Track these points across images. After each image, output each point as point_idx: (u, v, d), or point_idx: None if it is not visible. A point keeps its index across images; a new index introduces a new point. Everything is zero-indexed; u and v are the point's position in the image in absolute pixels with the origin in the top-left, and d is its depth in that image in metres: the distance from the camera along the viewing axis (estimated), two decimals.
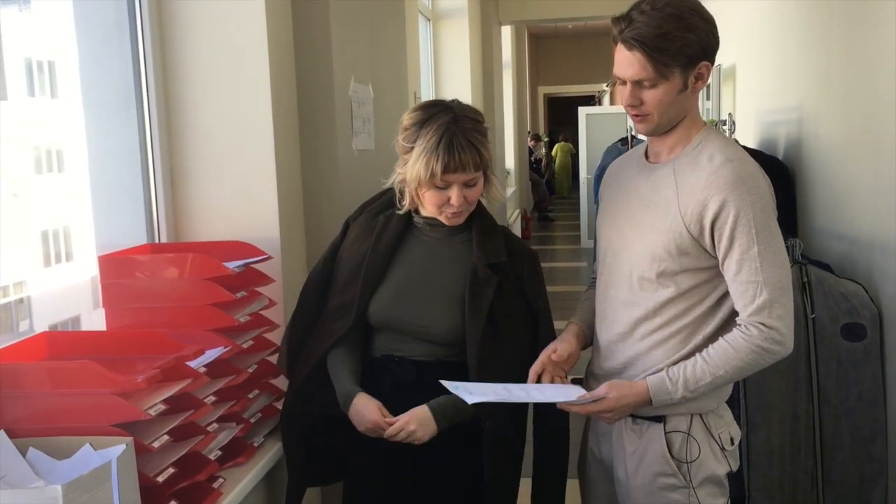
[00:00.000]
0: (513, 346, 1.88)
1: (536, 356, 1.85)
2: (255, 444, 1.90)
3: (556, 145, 18.30)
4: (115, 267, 1.83)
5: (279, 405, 2.08)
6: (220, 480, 1.71)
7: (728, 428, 1.84)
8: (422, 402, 1.83)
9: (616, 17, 1.73)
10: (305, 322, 2.00)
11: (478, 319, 1.84)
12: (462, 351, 1.86)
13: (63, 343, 1.58)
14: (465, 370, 1.84)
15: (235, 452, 1.82)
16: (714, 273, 1.73)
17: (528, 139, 15.79)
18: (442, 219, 1.88)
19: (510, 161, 11.61)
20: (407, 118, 1.88)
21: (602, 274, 1.90)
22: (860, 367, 2.73)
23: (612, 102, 16.08)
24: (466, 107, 1.87)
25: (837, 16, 3.22)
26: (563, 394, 1.77)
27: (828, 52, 3.35)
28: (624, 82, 1.72)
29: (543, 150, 17.82)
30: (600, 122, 11.34)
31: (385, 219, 1.97)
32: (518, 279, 1.92)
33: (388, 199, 2.01)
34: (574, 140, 14.61)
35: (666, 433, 1.78)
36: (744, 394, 2.78)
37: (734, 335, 1.69)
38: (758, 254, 1.65)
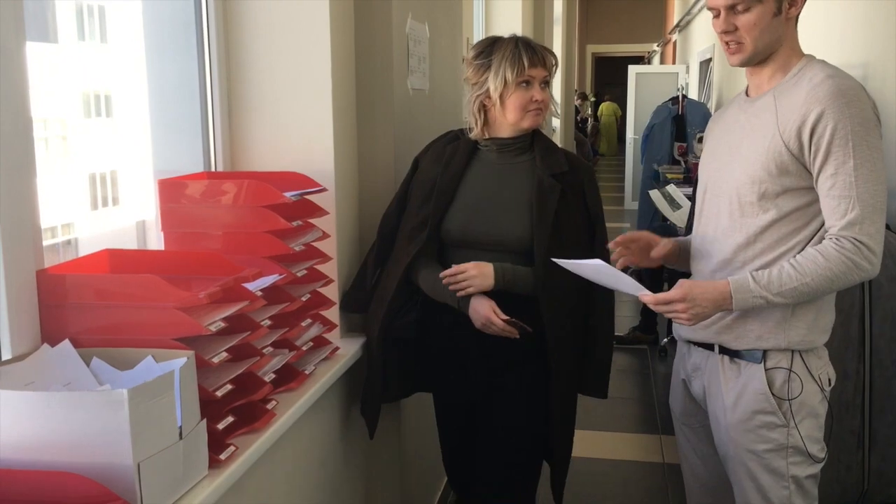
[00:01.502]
0: (574, 249, 2.03)
1: (593, 256, 1.92)
2: (307, 372, 1.93)
3: (602, 105, 18.03)
4: (173, 191, 1.85)
5: (329, 337, 2.11)
6: (274, 403, 1.74)
7: (826, 368, 1.83)
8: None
9: None
10: (386, 254, 2.23)
11: (545, 223, 2.05)
12: (532, 261, 2.06)
13: (124, 260, 1.61)
14: (529, 298, 2.05)
15: (288, 378, 1.85)
16: (816, 196, 1.70)
17: (575, 98, 15.58)
18: (525, 121, 2.10)
19: (556, 119, 11.47)
20: (473, 49, 2.15)
21: (700, 214, 1.90)
22: None
23: (662, 62, 15.76)
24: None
25: None
26: (635, 288, 1.78)
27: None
28: (718, 14, 1.73)
29: (589, 111, 17.58)
30: (650, 81, 11.15)
31: (453, 148, 2.19)
32: (579, 188, 2.14)
33: (453, 134, 2.25)
34: (621, 101, 14.40)
35: (766, 370, 1.77)
36: None
37: (825, 244, 1.66)
38: (853, 168, 1.61)
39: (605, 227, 2.19)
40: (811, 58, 1.77)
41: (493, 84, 2.06)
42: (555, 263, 1.90)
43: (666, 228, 5.32)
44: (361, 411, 2.27)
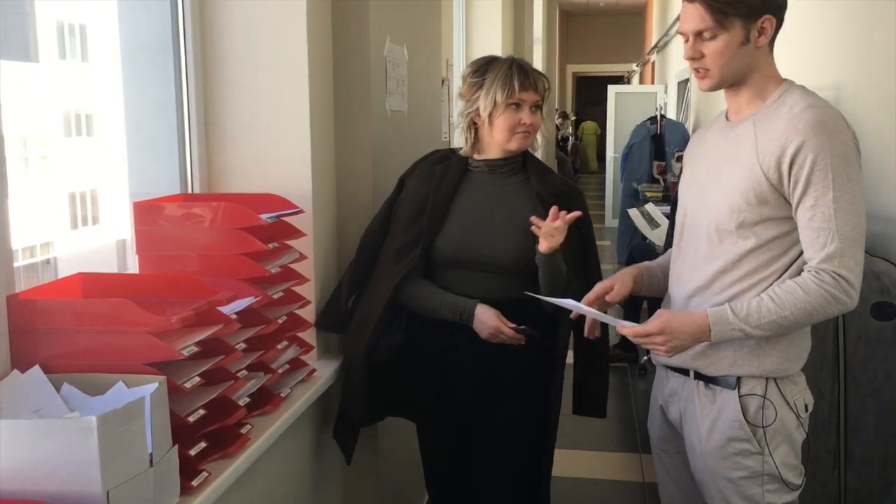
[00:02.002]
0: (573, 265, 2.10)
1: (587, 274, 2.09)
2: (283, 395, 1.92)
3: (582, 124, 18.18)
4: (148, 213, 1.84)
5: (306, 359, 2.10)
6: (248, 427, 1.73)
7: (803, 394, 1.82)
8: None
9: None
10: (365, 275, 2.20)
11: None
12: (529, 282, 2.07)
13: (97, 284, 1.59)
14: (530, 306, 2.03)
15: (264, 401, 1.84)
16: (794, 225, 1.70)
17: (556, 116, 15.69)
18: (512, 143, 2.10)
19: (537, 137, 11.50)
20: (469, 66, 2.17)
21: (679, 235, 1.89)
22: (889, 346, 2.70)
23: (641, 82, 15.91)
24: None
25: None
26: (613, 321, 1.85)
27: (869, 32, 3.29)
28: (687, 39, 1.74)
29: (570, 129, 17.71)
30: (629, 100, 11.24)
31: (443, 167, 2.18)
32: (572, 209, 2.10)
33: (441, 154, 2.25)
34: (600, 120, 14.52)
35: (741, 397, 1.76)
36: None
37: (804, 277, 1.66)
38: (833, 200, 1.61)
39: (596, 251, 2.26)
40: (790, 83, 1.77)
41: (483, 103, 2.08)
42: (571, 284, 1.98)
43: (645, 246, 5.36)
44: (335, 434, 2.23)
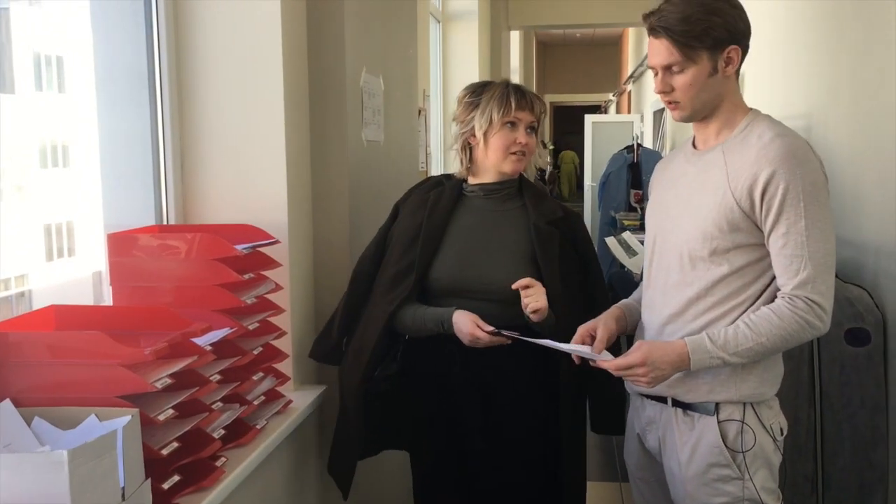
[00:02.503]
0: (576, 296, 2.09)
1: (590, 301, 2.07)
2: (258, 427, 1.90)
3: (562, 153, 18.34)
4: (122, 245, 1.84)
5: (282, 390, 2.09)
6: (223, 459, 1.71)
7: (778, 418, 1.84)
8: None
9: (646, 12, 1.77)
10: (360, 304, 2.17)
11: (552, 269, 2.05)
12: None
13: (70, 316, 1.58)
14: (528, 332, 1.98)
15: (239, 433, 1.82)
16: (766, 252, 1.72)
17: None
18: (506, 164, 2.08)
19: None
20: (465, 89, 2.17)
21: (650, 264, 1.91)
22: (863, 372, 2.73)
23: (618, 111, 16.09)
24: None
25: (848, 24, 3.23)
26: (593, 354, 1.85)
27: (837, 61, 3.35)
28: (657, 72, 1.76)
29: (548, 158, 17.87)
30: (606, 130, 11.35)
31: (437, 194, 2.16)
32: (570, 234, 2.15)
33: (435, 179, 2.24)
34: (578, 149, 14.65)
35: (719, 422, 1.77)
36: None
37: (778, 304, 1.68)
38: (805, 228, 1.64)
39: (600, 271, 2.23)
40: (756, 113, 1.80)
41: (479, 122, 2.07)
42: (563, 305, 1.98)
43: (623, 275, 5.38)
44: (330, 469, 2.20)
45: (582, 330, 1.88)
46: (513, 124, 2.07)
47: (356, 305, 2.17)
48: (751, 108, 1.81)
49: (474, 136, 2.10)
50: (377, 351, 2.10)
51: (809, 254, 1.65)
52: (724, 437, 1.77)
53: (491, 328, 1.95)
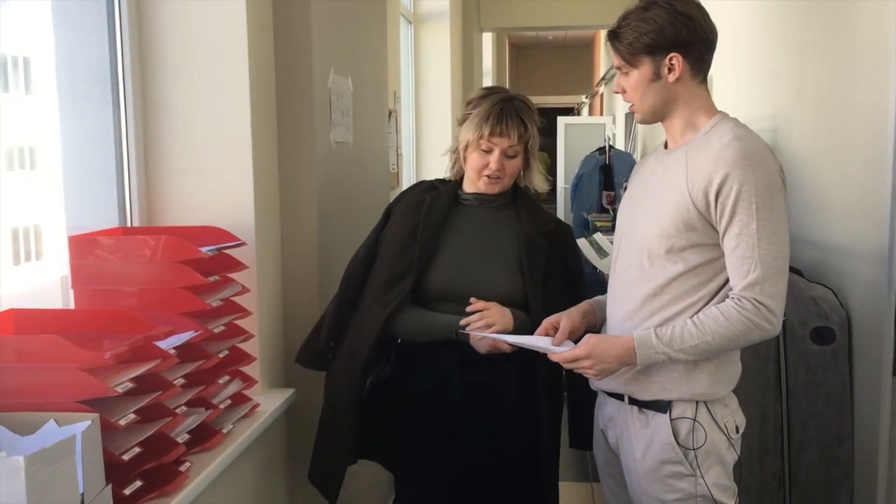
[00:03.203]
0: (558, 304, 2.01)
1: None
2: (224, 431, 1.88)
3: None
4: (85, 247, 1.81)
5: (250, 393, 2.07)
6: (188, 464, 1.69)
7: (734, 416, 1.86)
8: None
9: None
10: (350, 308, 2.13)
11: (535, 280, 2.05)
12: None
13: (30, 320, 1.55)
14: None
15: (204, 437, 1.80)
16: (722, 252, 1.75)
17: None
18: (480, 184, 2.09)
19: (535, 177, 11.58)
20: (473, 93, 2.15)
21: (615, 260, 1.94)
22: (828, 370, 2.76)
23: (590, 113, 16.17)
24: (522, 95, 2.14)
25: (812, 27, 3.27)
26: (545, 348, 1.88)
27: (802, 63, 3.39)
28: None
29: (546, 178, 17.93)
30: (579, 132, 11.41)
31: (432, 197, 2.14)
32: (561, 247, 2.15)
33: (428, 184, 2.22)
34: (551, 151, 14.69)
35: (672, 420, 1.80)
36: None
37: (726, 304, 1.71)
38: (756, 230, 1.67)
39: (585, 283, 2.21)
40: (723, 116, 1.83)
41: (461, 137, 2.09)
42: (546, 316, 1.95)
43: (595, 276, 5.40)
44: (311, 476, 2.17)
45: (546, 322, 1.91)
46: (488, 149, 2.05)
47: (346, 310, 2.14)
48: (719, 111, 1.84)
49: (459, 147, 2.12)
50: (371, 355, 2.07)
51: (760, 256, 1.67)
52: (675, 435, 1.80)
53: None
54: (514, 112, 2.05)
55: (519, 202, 2.16)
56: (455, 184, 2.17)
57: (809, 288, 2.81)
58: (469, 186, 2.15)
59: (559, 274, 2.12)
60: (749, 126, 1.84)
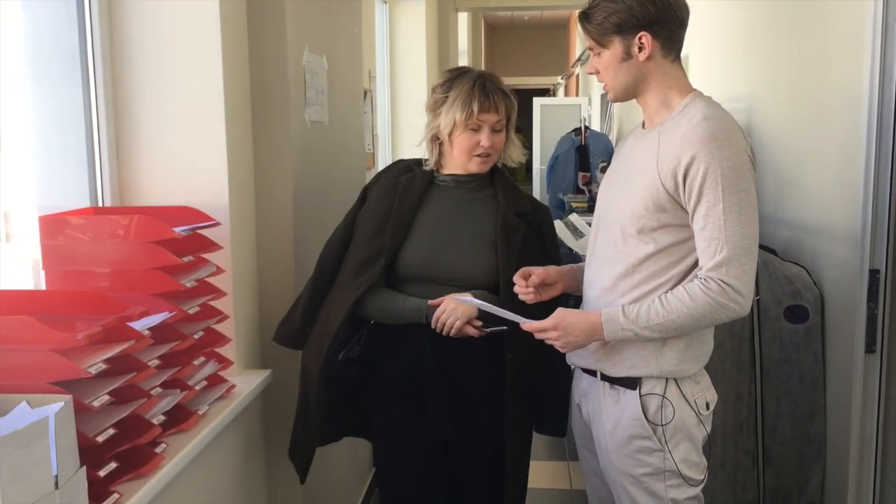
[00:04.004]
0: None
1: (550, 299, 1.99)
2: (200, 413, 1.87)
3: None
4: (55, 227, 1.78)
5: (226, 374, 2.05)
6: (163, 446, 1.68)
7: (704, 393, 1.88)
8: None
9: None
10: (326, 288, 2.13)
11: (509, 261, 2.03)
12: (495, 297, 2.02)
13: (1, 301, 1.52)
14: (497, 321, 1.95)
15: (179, 419, 1.79)
16: (692, 233, 1.76)
17: None
18: (471, 165, 2.08)
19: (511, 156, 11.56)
20: (439, 78, 2.13)
21: (593, 239, 1.96)
22: (802, 348, 2.79)
23: (566, 94, 16.17)
24: (488, 71, 2.15)
25: (788, 5, 3.28)
26: (518, 318, 1.88)
27: (776, 43, 3.41)
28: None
29: (524, 152, 17.93)
30: (555, 113, 11.41)
31: (407, 179, 2.13)
32: (538, 229, 2.14)
33: (404, 164, 2.20)
34: (526, 132, 14.70)
35: (641, 396, 1.82)
36: None
37: (693, 284, 1.73)
38: (722, 211, 1.68)
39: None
40: (697, 94, 1.84)
41: (444, 121, 2.05)
42: (518, 299, 1.94)
43: (571, 257, 5.42)
44: (290, 454, 2.18)
45: (522, 270, 1.94)
46: (476, 128, 2.04)
47: (322, 290, 2.14)
48: (693, 90, 1.85)
49: (440, 132, 2.08)
50: (339, 336, 2.07)
51: (726, 237, 1.68)
52: (644, 411, 1.83)
53: (479, 323, 1.99)
54: (494, 85, 2.06)
55: (497, 183, 2.15)
56: (431, 168, 2.16)
57: (783, 266, 2.84)
58: (449, 168, 2.13)
59: (535, 256, 2.10)
60: (725, 106, 1.85)
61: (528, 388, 2.16)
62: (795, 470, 2.84)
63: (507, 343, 2.04)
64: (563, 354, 1.97)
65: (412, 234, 2.08)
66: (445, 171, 2.14)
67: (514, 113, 2.10)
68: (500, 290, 2.03)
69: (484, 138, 2.04)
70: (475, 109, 2.01)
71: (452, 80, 2.07)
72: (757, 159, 1.81)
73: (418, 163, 2.20)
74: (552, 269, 1.98)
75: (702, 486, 1.89)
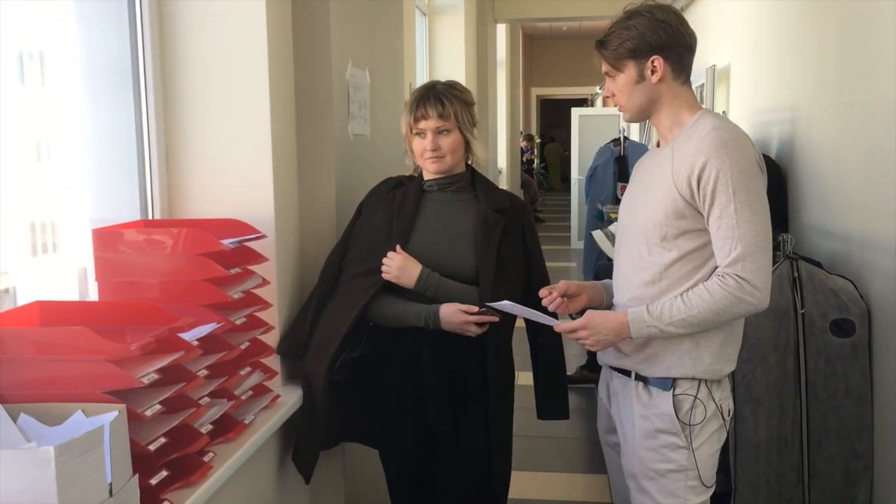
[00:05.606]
0: (513, 281, 2.19)
1: (529, 292, 2.13)
2: (246, 422, 1.90)
3: (546, 146, 18.39)
4: (108, 240, 1.82)
5: (270, 384, 2.08)
6: (211, 454, 1.71)
7: (727, 400, 1.99)
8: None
9: None
10: (326, 300, 2.23)
11: (489, 254, 2.15)
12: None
13: (56, 312, 1.57)
14: (491, 310, 2.07)
15: (226, 428, 1.82)
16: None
17: (521, 139, 15.80)
18: (427, 165, 2.21)
19: (502, 161, 11.62)
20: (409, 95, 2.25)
21: (618, 250, 2.07)
22: (848, 362, 2.75)
23: (604, 104, 16.10)
24: (451, 81, 2.28)
25: (834, 16, 3.24)
26: (550, 320, 2.02)
27: (823, 53, 3.37)
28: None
29: (536, 151, 17.93)
30: (593, 123, 11.36)
31: (401, 193, 2.27)
32: (519, 224, 2.26)
33: (395, 180, 2.33)
34: (565, 142, 14.69)
35: (674, 396, 1.92)
36: (732, 386, 2.79)
37: (711, 281, 1.84)
38: (734, 211, 1.79)
39: (542, 262, 2.31)
40: (705, 112, 1.96)
41: (403, 131, 2.23)
42: (497, 293, 2.07)
43: (610, 267, 5.39)
44: (294, 456, 2.21)
45: (545, 288, 2.06)
46: (420, 133, 2.18)
47: (323, 301, 2.24)
48: (701, 108, 1.97)
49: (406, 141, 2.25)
50: (345, 343, 2.18)
51: (740, 235, 1.78)
52: (676, 410, 1.91)
53: (475, 308, 2.09)
54: (432, 95, 2.17)
55: (478, 185, 2.28)
56: (419, 177, 2.29)
57: (829, 279, 2.80)
58: (426, 174, 2.26)
59: (515, 249, 2.22)
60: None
61: (510, 374, 2.29)
62: (841, 486, 2.79)
63: (487, 343, 2.16)
64: (557, 335, 2.13)
65: (410, 242, 2.19)
66: (429, 177, 2.26)
67: (464, 114, 2.19)
68: (479, 282, 2.14)
69: (427, 143, 2.17)
70: (411, 120, 2.18)
71: (413, 94, 2.21)
72: (765, 168, 1.90)
73: (409, 178, 2.32)
74: (572, 283, 2.09)
75: (711, 492, 1.97)
